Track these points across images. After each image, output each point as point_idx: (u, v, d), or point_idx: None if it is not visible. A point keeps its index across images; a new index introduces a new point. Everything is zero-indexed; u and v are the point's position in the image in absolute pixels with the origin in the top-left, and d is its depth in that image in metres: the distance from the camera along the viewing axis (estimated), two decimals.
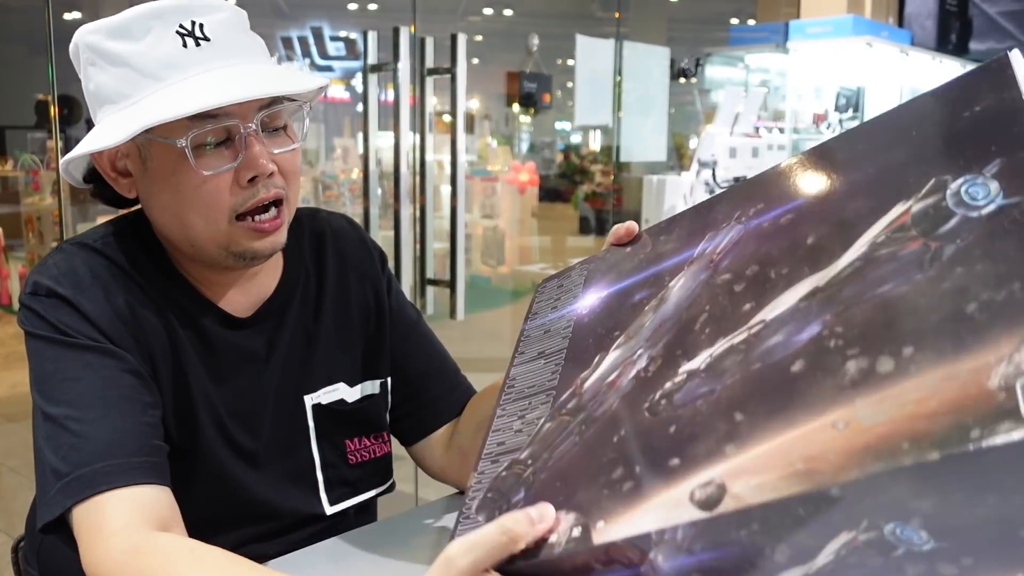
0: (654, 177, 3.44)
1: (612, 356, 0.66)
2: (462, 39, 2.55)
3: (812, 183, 0.62)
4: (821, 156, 0.63)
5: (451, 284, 2.77)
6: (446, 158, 2.82)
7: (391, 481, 1.07)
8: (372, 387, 1.04)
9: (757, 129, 4.17)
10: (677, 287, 0.65)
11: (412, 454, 1.11)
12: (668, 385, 0.58)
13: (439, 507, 1.03)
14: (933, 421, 0.41)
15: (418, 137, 2.68)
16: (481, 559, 0.53)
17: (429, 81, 2.61)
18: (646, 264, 0.72)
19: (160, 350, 0.89)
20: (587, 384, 0.66)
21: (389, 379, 1.06)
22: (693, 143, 5.65)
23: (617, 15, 3.34)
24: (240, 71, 0.83)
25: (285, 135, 0.88)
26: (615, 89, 3.28)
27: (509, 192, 6.61)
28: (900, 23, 5.24)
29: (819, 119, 4.71)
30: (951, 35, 5.27)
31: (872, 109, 4.86)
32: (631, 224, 0.79)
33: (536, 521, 0.55)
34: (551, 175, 10.06)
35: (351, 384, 1.02)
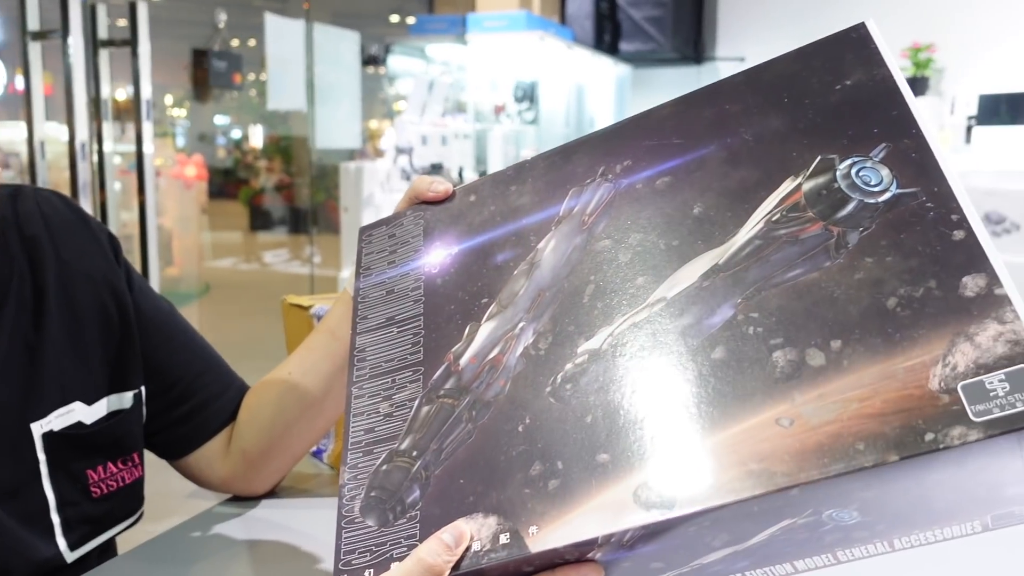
0: (351, 164, 3.36)
1: (487, 328, 0.60)
2: (143, 7, 2.27)
3: (683, 143, 0.59)
4: (684, 111, 0.61)
5: None
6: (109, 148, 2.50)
7: (141, 510, 0.91)
8: (120, 401, 0.87)
9: (444, 118, 4.25)
10: (549, 250, 0.61)
11: (183, 468, 0.95)
12: (569, 367, 0.54)
13: (187, 530, 0.90)
14: (883, 422, 0.42)
15: (92, 123, 2.35)
16: None
17: (103, 55, 2.29)
18: (500, 218, 0.66)
19: None
20: (463, 360, 0.59)
21: (143, 388, 0.89)
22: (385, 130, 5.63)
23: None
24: None
25: None
26: (308, 72, 3.15)
27: (175, 188, 6.18)
28: (563, 21, 5.62)
29: (499, 110, 4.91)
30: (604, 35, 5.77)
31: (546, 100, 5.17)
32: (448, 186, 0.73)
33: (453, 546, 0.51)
34: (222, 169, 9.50)
35: (89, 402, 0.84)
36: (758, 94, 0.58)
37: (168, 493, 0.94)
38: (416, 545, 0.52)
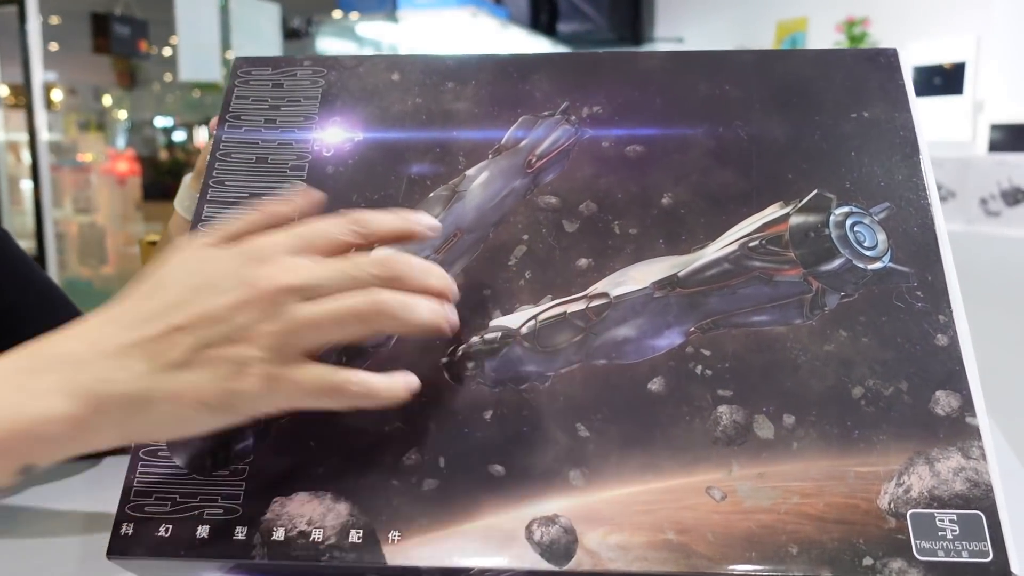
0: None
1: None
2: None
3: (668, 110, 0.52)
4: (678, 71, 0.54)
5: None
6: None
7: None
8: None
9: None
10: (479, 182, 0.52)
11: None
12: (475, 341, 0.46)
13: None
14: (822, 528, 0.40)
15: None
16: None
17: None
18: (426, 118, 0.55)
19: None
20: None
21: None
22: None
23: None
24: None
25: None
26: (223, 44, 3.01)
27: (107, 184, 6.00)
28: (498, 0, 5.54)
29: None
30: (541, 15, 5.70)
31: None
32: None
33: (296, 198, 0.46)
34: (156, 168, 9.23)
35: None
36: (766, 87, 0.53)
37: None
38: (238, 508, 0.43)
